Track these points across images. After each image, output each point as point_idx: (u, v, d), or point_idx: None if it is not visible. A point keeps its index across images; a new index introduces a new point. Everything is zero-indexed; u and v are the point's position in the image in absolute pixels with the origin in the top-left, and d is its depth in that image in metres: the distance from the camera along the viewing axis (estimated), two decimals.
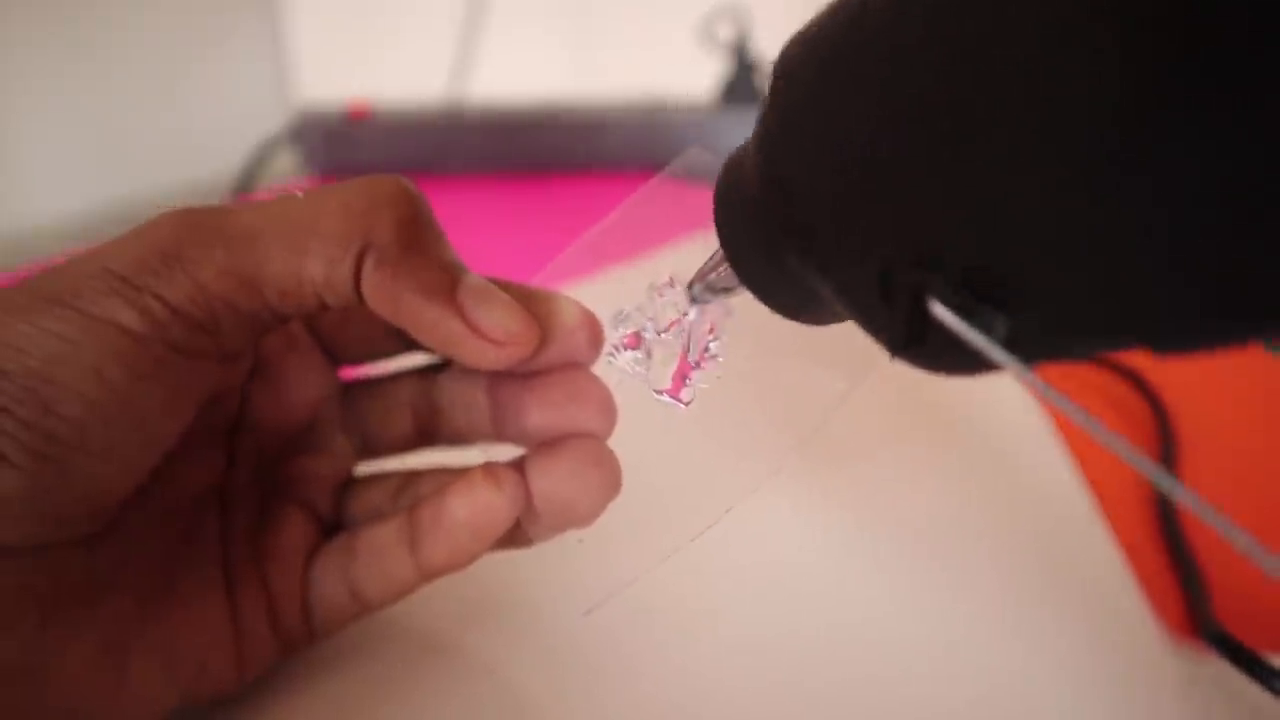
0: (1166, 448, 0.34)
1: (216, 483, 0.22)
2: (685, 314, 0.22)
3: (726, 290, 0.20)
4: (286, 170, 0.71)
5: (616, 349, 0.22)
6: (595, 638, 0.24)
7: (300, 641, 0.22)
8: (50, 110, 0.65)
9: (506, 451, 0.22)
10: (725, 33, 0.71)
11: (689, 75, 0.75)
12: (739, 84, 0.71)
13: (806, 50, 0.16)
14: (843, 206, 0.15)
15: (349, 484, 0.23)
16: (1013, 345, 0.13)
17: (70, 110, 0.66)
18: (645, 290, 0.22)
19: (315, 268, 0.18)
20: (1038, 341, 0.14)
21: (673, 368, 0.22)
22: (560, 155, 0.69)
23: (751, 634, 0.25)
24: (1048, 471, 0.33)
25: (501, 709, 0.22)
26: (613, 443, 0.21)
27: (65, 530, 0.17)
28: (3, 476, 0.15)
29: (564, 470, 0.20)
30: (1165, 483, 0.13)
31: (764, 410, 0.22)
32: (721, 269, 0.20)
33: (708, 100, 0.72)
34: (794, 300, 0.19)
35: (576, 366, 0.21)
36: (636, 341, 0.22)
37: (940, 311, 0.14)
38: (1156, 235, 0.11)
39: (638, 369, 0.22)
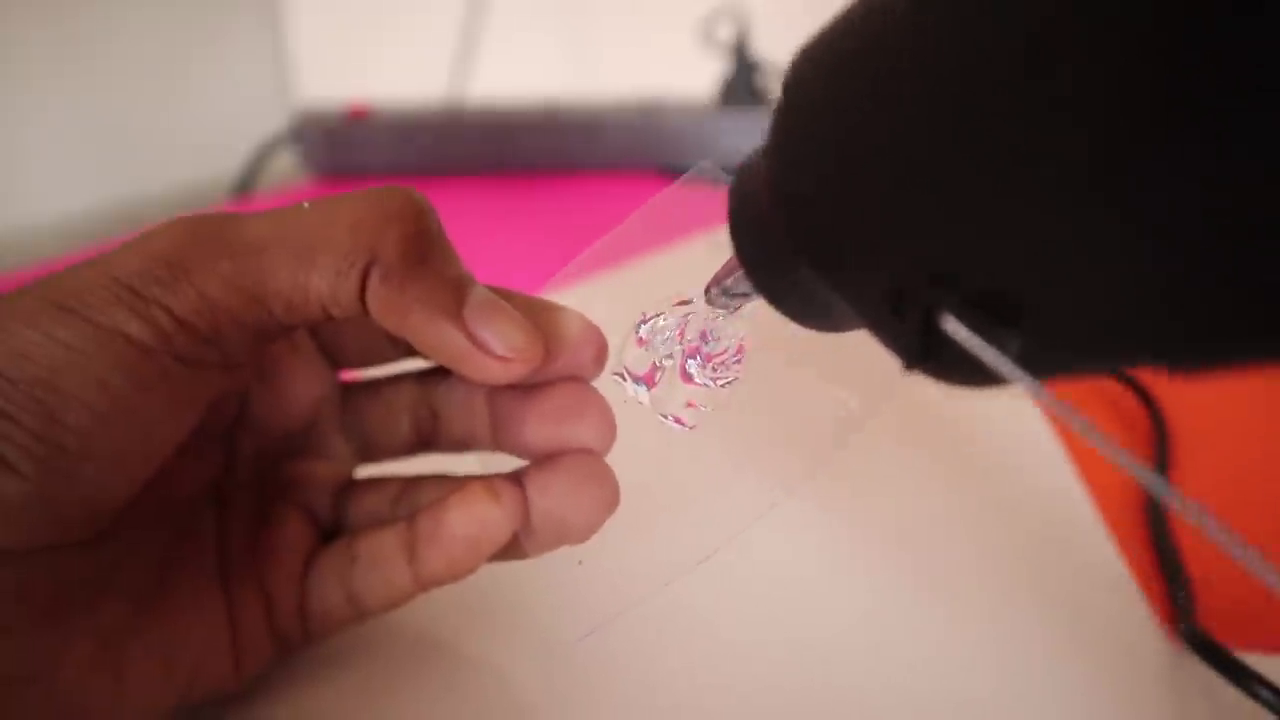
0: (1161, 451, 0.34)
1: (214, 483, 0.22)
2: (705, 338, 0.22)
3: (744, 295, 0.20)
4: (286, 170, 0.71)
5: (625, 376, 0.22)
6: (593, 643, 0.24)
7: (297, 644, 0.22)
8: (50, 110, 0.65)
9: (505, 460, 0.22)
10: (725, 33, 0.71)
11: (689, 75, 0.75)
12: (739, 84, 0.71)
13: (814, 62, 0.16)
14: (853, 222, 0.15)
15: (348, 487, 0.23)
16: (1025, 361, 0.13)
17: (70, 110, 0.66)
18: (667, 303, 0.22)
19: (321, 281, 0.18)
20: (1050, 358, 0.14)
21: (680, 391, 0.22)
22: (560, 155, 0.69)
23: (751, 638, 0.25)
24: (1048, 473, 0.33)
25: (499, 711, 0.22)
26: (616, 462, 0.21)
27: (66, 534, 0.17)
28: (6, 482, 0.16)
29: (561, 485, 0.20)
30: (1168, 495, 0.13)
31: (771, 436, 0.22)
32: (737, 275, 0.20)
33: (708, 100, 0.72)
34: (809, 310, 0.19)
35: (578, 380, 0.21)
36: (652, 377, 0.22)
37: (953, 328, 0.13)
38: (1172, 254, 0.11)
39: (644, 399, 0.22)
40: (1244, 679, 0.23)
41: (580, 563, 0.21)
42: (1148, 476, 0.13)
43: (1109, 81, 0.11)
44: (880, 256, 0.15)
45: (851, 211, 0.15)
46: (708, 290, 0.21)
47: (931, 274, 0.14)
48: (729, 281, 0.20)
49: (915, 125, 0.13)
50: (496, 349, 0.19)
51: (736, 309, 0.21)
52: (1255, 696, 0.22)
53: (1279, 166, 0.10)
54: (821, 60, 0.15)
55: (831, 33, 0.15)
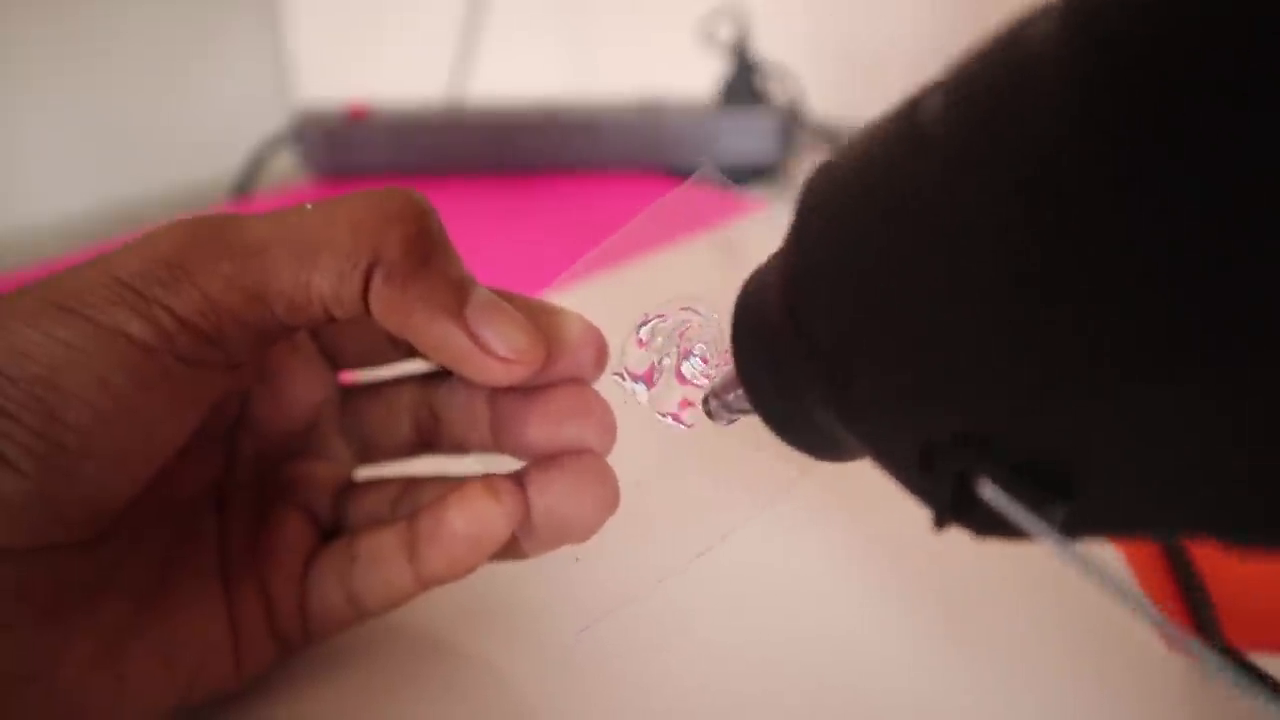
0: None
1: (215, 484, 0.22)
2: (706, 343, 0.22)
3: (744, 412, 0.19)
4: (286, 170, 0.71)
5: (625, 375, 0.22)
6: (592, 642, 0.24)
7: (297, 644, 0.22)
8: (50, 110, 0.65)
9: (505, 462, 0.22)
10: (725, 33, 0.71)
11: (689, 75, 0.75)
12: (739, 84, 0.71)
13: (836, 183, 0.14)
14: (878, 365, 0.14)
15: (348, 488, 0.23)
16: (1068, 529, 0.12)
17: (70, 110, 0.66)
18: (671, 305, 0.22)
19: (323, 282, 0.18)
20: (1095, 527, 0.13)
21: (678, 390, 0.22)
22: (560, 155, 0.69)
23: (748, 637, 0.25)
24: None
25: (498, 710, 0.22)
26: (615, 461, 0.21)
27: (66, 533, 0.17)
28: (7, 481, 0.16)
29: (562, 486, 0.21)
30: (1204, 655, 0.12)
31: (769, 435, 0.22)
32: (740, 393, 0.18)
33: (708, 100, 0.72)
34: (817, 443, 0.17)
35: (579, 382, 0.21)
36: (651, 376, 0.22)
37: (990, 494, 0.12)
38: (1233, 438, 0.10)
39: (643, 398, 0.22)
40: (1271, 688, 0.22)
41: (577, 560, 0.22)
42: (1190, 643, 0.12)
43: (1155, 269, 0.10)
44: (907, 407, 0.13)
45: (876, 352, 0.14)
46: (706, 401, 0.20)
47: (966, 434, 0.13)
48: (731, 398, 0.19)
49: (954, 268, 0.12)
50: (498, 350, 0.19)
51: (734, 421, 0.20)
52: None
53: None
54: (842, 179, 0.14)
55: (854, 148, 0.14)
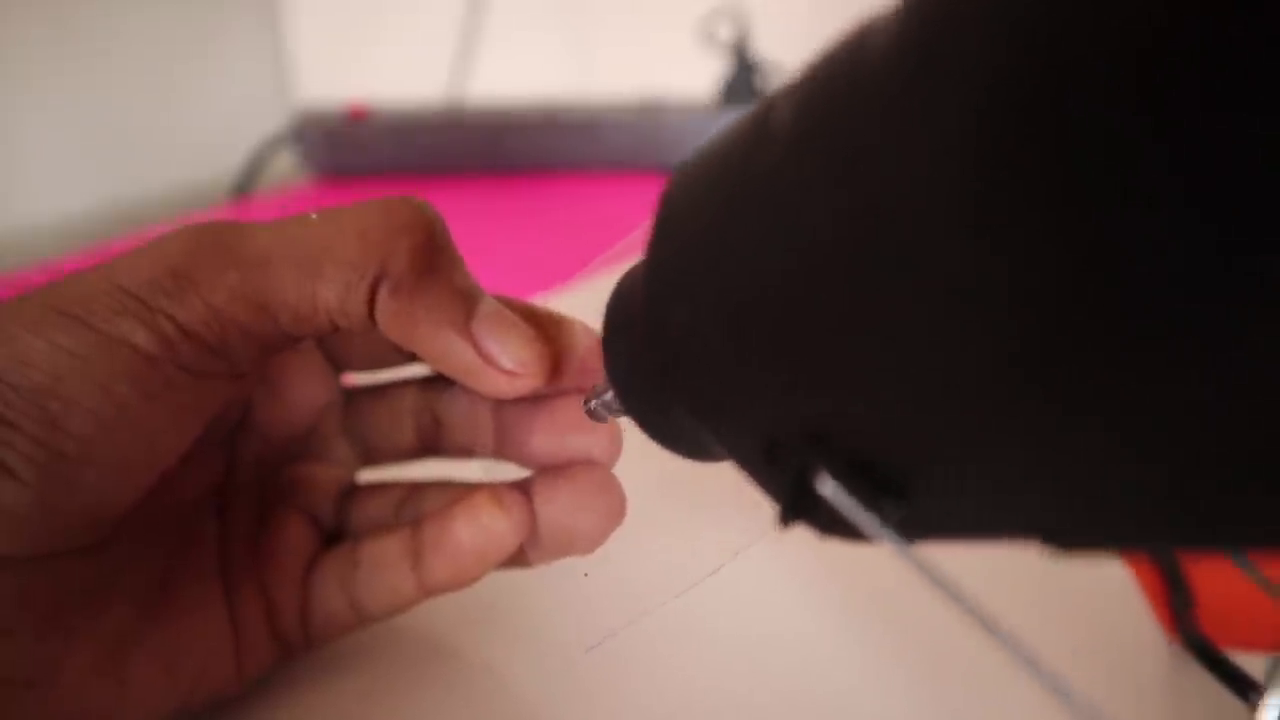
0: None
1: (217, 488, 0.22)
2: None
3: (620, 412, 0.19)
4: (286, 170, 0.71)
5: None
6: (597, 654, 0.24)
7: (298, 648, 0.22)
8: (50, 110, 0.65)
9: (509, 466, 0.22)
10: (725, 33, 0.71)
11: (689, 75, 0.75)
12: (739, 84, 0.71)
13: (691, 180, 0.14)
14: (726, 363, 0.14)
15: (351, 492, 0.23)
16: (905, 528, 0.12)
17: (70, 110, 0.66)
18: None
19: (329, 293, 0.18)
20: (929, 527, 0.13)
21: None
22: (560, 155, 0.69)
23: (756, 651, 0.25)
24: None
25: (499, 714, 0.22)
26: (624, 474, 0.21)
27: (68, 541, 0.17)
28: (8, 490, 0.16)
29: (568, 496, 0.20)
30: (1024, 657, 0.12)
31: None
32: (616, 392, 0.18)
33: (708, 100, 0.72)
34: (682, 442, 0.17)
35: (585, 392, 0.21)
36: None
37: (828, 491, 0.12)
38: (1063, 447, 0.10)
39: None
40: (1240, 685, 0.23)
41: (586, 575, 0.21)
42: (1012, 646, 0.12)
43: (1018, 269, 0.09)
44: (753, 404, 0.14)
45: (724, 350, 0.14)
46: (586, 401, 0.20)
47: (806, 430, 0.13)
48: (609, 397, 0.19)
49: (793, 262, 0.12)
50: (504, 363, 0.19)
51: (615, 419, 0.20)
52: (1248, 702, 0.22)
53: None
54: (699, 175, 0.14)
55: (713, 146, 0.14)
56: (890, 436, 0.12)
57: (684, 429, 0.16)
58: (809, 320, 0.12)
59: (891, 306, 0.11)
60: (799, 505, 0.13)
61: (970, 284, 0.10)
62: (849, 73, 0.11)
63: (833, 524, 0.13)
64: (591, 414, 0.20)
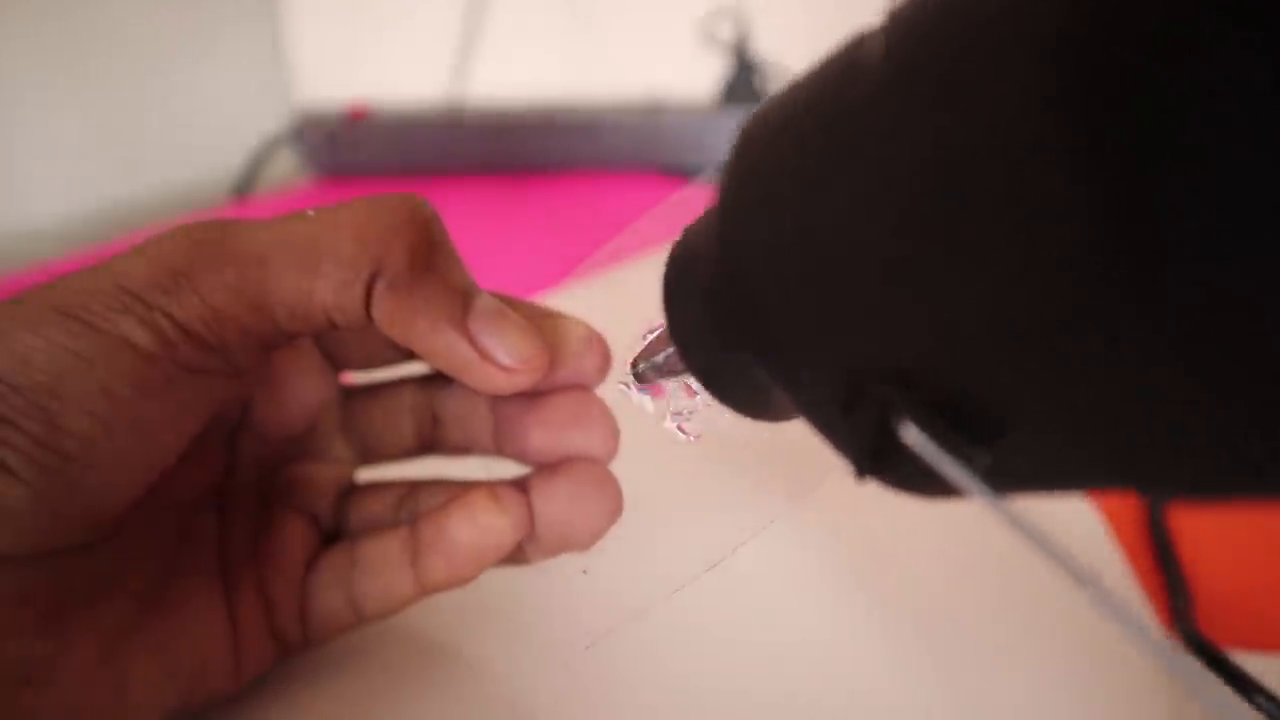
0: None
1: (216, 486, 0.22)
2: None
3: (675, 374, 0.19)
4: (286, 171, 0.71)
5: (631, 386, 0.22)
6: (596, 652, 0.24)
7: (297, 646, 0.22)
8: (50, 110, 0.65)
9: (508, 463, 0.22)
10: (725, 33, 0.71)
11: (689, 75, 0.75)
12: (739, 84, 0.71)
13: (772, 128, 0.14)
14: (807, 306, 0.13)
15: (350, 491, 0.23)
16: (992, 478, 0.12)
17: (70, 110, 0.66)
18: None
19: (326, 291, 0.18)
20: (1019, 476, 0.12)
21: (684, 401, 0.22)
22: (560, 156, 0.69)
23: (754, 649, 0.25)
24: None
25: (500, 717, 0.22)
26: (623, 471, 0.21)
27: (67, 539, 0.17)
28: (7, 488, 0.16)
29: (565, 493, 0.20)
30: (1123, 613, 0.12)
31: (775, 444, 0.22)
32: (670, 352, 0.18)
33: (708, 100, 0.72)
34: (749, 400, 0.17)
35: (582, 388, 0.21)
36: (661, 391, 0.21)
37: (911, 436, 0.12)
38: (1156, 388, 0.10)
39: (649, 409, 0.22)
40: (1240, 683, 0.23)
41: (585, 572, 0.21)
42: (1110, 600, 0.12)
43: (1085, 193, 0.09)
44: (834, 348, 0.13)
45: (805, 293, 0.13)
46: (634, 364, 0.20)
47: (891, 372, 0.12)
48: (660, 359, 0.19)
49: (885, 204, 0.12)
50: (501, 359, 0.19)
51: (669, 382, 0.20)
52: (1251, 702, 0.22)
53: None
54: (781, 123, 0.14)
55: (790, 94, 0.14)
56: (980, 375, 0.11)
57: (750, 382, 0.16)
58: (905, 251, 0.11)
59: (993, 233, 0.10)
60: (878, 456, 0.13)
61: (1076, 208, 0.09)
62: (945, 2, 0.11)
63: (911, 477, 0.13)
64: (639, 377, 0.20)
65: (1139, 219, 0.09)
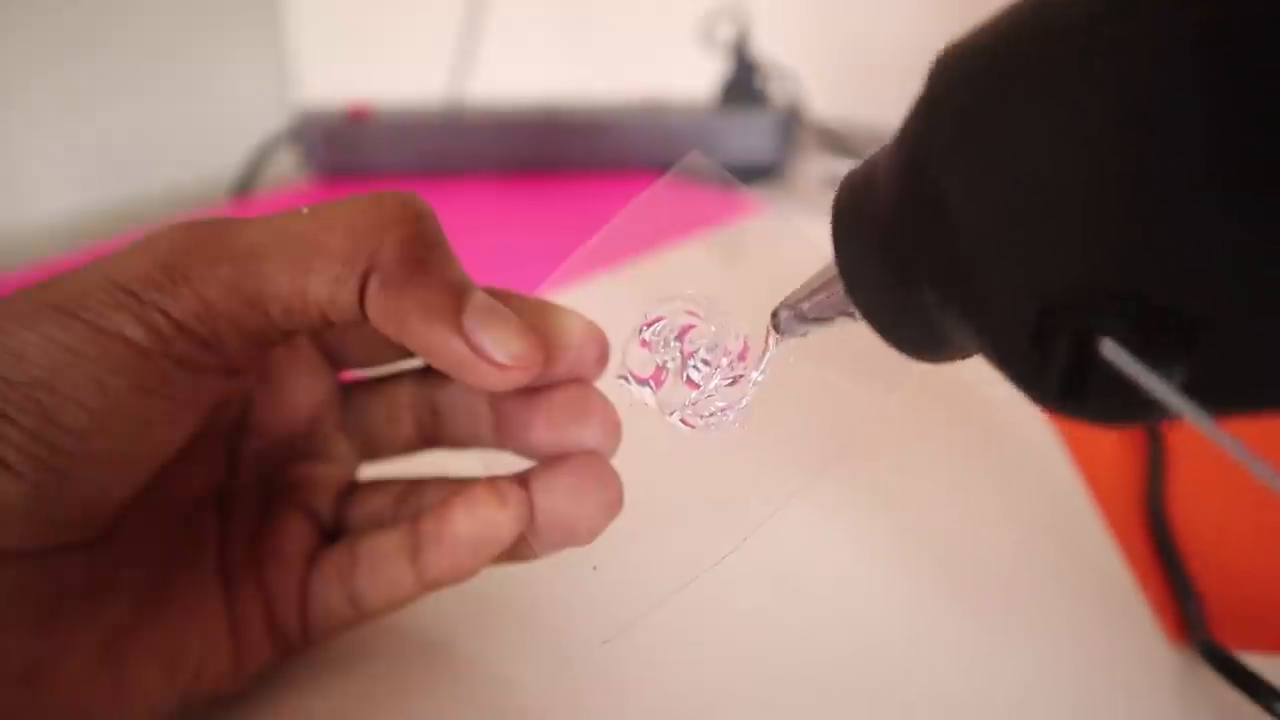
0: (1155, 452, 0.34)
1: (217, 485, 0.22)
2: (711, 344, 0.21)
3: (819, 320, 0.19)
4: (287, 170, 0.71)
5: (630, 379, 0.22)
6: (604, 647, 0.24)
7: (297, 645, 0.22)
8: (50, 110, 0.65)
9: (508, 458, 0.22)
10: (725, 33, 0.71)
11: (689, 75, 0.75)
12: (739, 84, 0.71)
13: (982, 56, 0.14)
14: (1008, 231, 0.13)
15: (350, 489, 0.23)
16: (1190, 393, 0.12)
17: (70, 110, 0.66)
18: (672, 306, 0.22)
19: (320, 287, 0.18)
20: (1219, 391, 0.12)
21: (684, 393, 0.22)
22: (560, 155, 0.69)
23: (763, 640, 0.25)
24: (1053, 479, 0.33)
25: (503, 715, 0.22)
26: (625, 464, 0.21)
27: (65, 535, 0.17)
28: (4, 483, 0.16)
29: (565, 487, 0.20)
30: None
31: (778, 435, 0.22)
32: (823, 296, 0.18)
33: (708, 100, 0.72)
34: (918, 336, 0.17)
35: (582, 382, 0.21)
36: (659, 379, 0.21)
37: (1114, 354, 0.12)
38: None
39: (650, 402, 0.22)
40: (1260, 692, 0.22)
41: (595, 568, 0.21)
42: None
43: None
44: (1033, 271, 0.13)
45: (1007, 218, 0.13)
46: (775, 314, 0.19)
47: (1090, 293, 0.12)
48: (807, 305, 0.19)
49: (1101, 124, 0.12)
50: (496, 356, 0.19)
51: (803, 334, 0.20)
52: (1271, 711, 0.22)
53: None
54: (989, 51, 0.14)
55: (1000, 21, 0.14)
56: (1185, 277, 0.12)
57: (922, 318, 0.16)
58: (1112, 166, 0.12)
59: (1191, 147, 0.11)
60: (1077, 379, 0.13)
61: None
62: None
63: (1109, 403, 0.13)
64: (778, 327, 0.19)
65: None
